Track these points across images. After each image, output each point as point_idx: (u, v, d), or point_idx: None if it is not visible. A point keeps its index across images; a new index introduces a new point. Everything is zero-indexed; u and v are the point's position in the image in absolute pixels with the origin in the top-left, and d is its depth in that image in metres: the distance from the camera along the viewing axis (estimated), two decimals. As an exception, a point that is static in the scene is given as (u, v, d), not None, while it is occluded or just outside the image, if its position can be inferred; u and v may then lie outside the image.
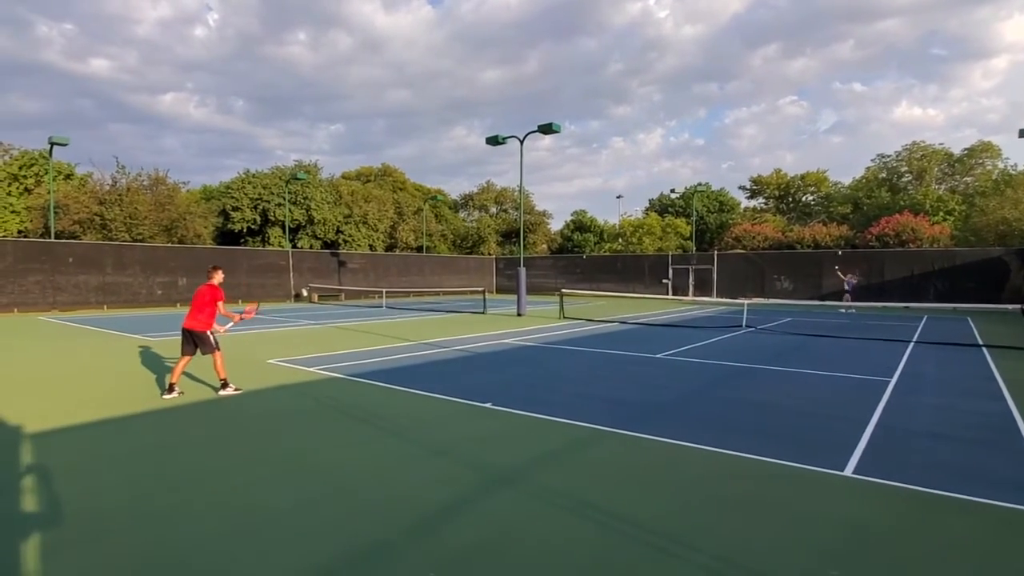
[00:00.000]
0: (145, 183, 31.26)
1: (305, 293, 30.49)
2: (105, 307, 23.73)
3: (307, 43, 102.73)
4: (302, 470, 4.71)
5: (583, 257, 40.84)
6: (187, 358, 7.41)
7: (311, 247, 36.91)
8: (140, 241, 28.47)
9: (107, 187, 29.79)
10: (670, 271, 34.45)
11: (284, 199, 34.76)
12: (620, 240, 48.14)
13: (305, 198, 36.94)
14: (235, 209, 35.70)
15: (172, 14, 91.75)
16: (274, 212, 35.71)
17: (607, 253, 44.61)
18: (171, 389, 7.21)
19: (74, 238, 26.93)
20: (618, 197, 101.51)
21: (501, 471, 4.67)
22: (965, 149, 45.06)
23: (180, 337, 7.47)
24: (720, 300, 27.81)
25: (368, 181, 51.43)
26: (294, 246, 35.75)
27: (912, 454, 5.13)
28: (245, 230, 35.99)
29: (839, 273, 25.18)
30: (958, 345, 12.66)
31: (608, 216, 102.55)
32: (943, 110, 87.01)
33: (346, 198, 40.17)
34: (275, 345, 12.24)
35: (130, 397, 7.26)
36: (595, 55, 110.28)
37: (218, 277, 7.54)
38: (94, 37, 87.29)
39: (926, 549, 3.38)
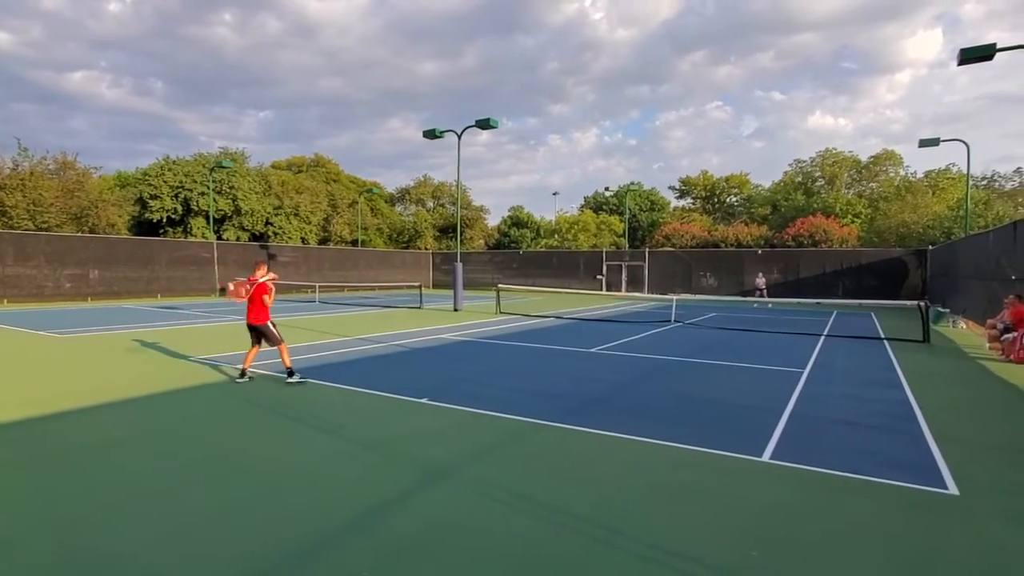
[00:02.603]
0: (51, 167, 28.87)
1: (232, 287, 29.11)
2: (5, 301, 21.76)
3: (233, 25, 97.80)
4: (230, 471, 4.52)
5: (520, 253, 41.16)
6: (256, 348, 7.99)
7: (238, 239, 35.28)
8: (45, 230, 26.27)
9: (7, 171, 27.21)
10: (604, 267, 35.31)
11: (208, 188, 32.96)
12: (556, 236, 48.85)
13: (231, 187, 35.21)
14: (154, 197, 33.56)
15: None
16: (197, 201, 33.81)
17: (543, 249, 45.15)
18: (243, 374, 7.81)
19: (-33, 225, 24.51)
20: (554, 194, 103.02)
21: (437, 466, 4.67)
22: (871, 157, 48.87)
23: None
24: (651, 296, 28.80)
25: (300, 171, 49.66)
26: (219, 238, 34.05)
27: (823, 440, 5.53)
28: (165, 220, 33.90)
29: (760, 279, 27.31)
30: (863, 338, 13.70)
31: (544, 212, 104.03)
32: (852, 120, 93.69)
33: (276, 188, 38.60)
34: (199, 341, 11.64)
35: (42, 397, 6.71)
36: (532, 53, 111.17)
37: (261, 271, 7.95)
38: (-9, 6, 79.34)
39: (836, 527, 3.66)
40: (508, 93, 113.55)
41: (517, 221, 50.34)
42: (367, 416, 6.21)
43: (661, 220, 50.96)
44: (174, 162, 35.13)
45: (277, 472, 4.53)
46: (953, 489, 4.28)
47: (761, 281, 26.67)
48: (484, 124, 20.35)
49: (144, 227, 34.27)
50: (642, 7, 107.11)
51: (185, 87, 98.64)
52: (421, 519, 3.69)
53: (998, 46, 12.92)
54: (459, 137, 21.38)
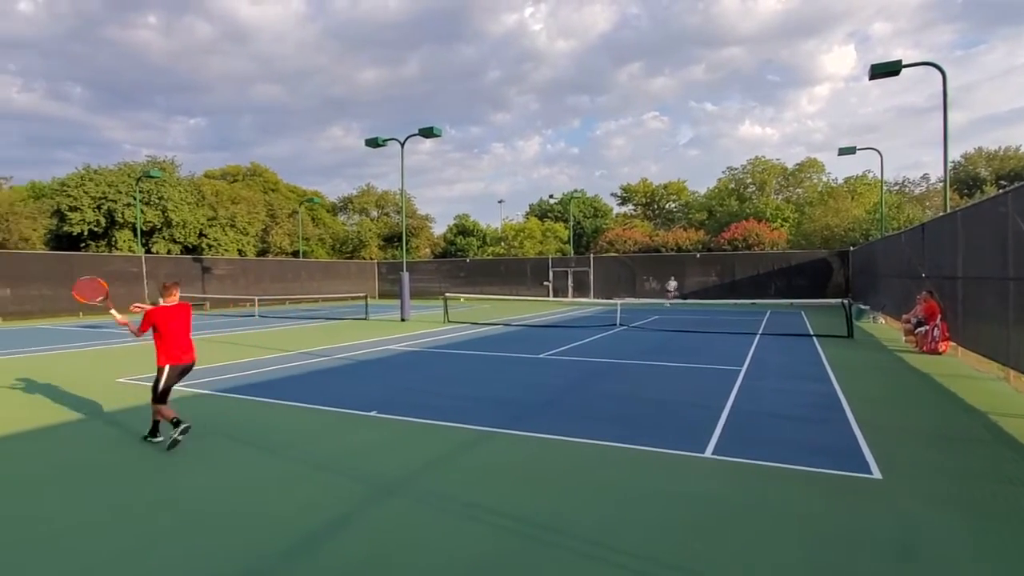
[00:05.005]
0: (-48, 178, 26.66)
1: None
2: (-101, 325, 19.88)
3: (158, 28, 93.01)
4: (162, 499, 4.30)
5: (466, 261, 41.07)
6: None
7: (169, 252, 33.63)
8: (-53, 246, 24.21)
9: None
10: (551, 274, 35.71)
11: (135, 198, 31.25)
12: (502, 244, 49.08)
13: (160, 198, 33.54)
14: (73, 209, 31.55)
15: (-13, -17, 78.87)
16: (122, 213, 32.01)
17: (490, 257, 45.22)
18: (168, 426, 5.58)
19: None
20: (500, 202, 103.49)
21: (387, 481, 4.59)
22: (796, 164, 51.61)
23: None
24: (597, 300, 29.35)
25: (235, 181, 47.82)
26: (148, 251, 32.34)
27: (760, 433, 5.79)
28: (86, 233, 31.92)
29: (672, 282, 30.68)
30: (794, 335, 14.44)
31: (490, 220, 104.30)
32: (778, 129, 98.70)
33: (210, 199, 37.09)
34: (125, 361, 10.99)
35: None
36: (474, 62, 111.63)
37: (175, 296, 6.33)
38: None
39: (773, 515, 3.84)
40: (451, 101, 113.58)
41: (463, 229, 50.25)
42: (313, 433, 6.04)
43: (604, 226, 52.06)
44: (95, 171, 33.18)
45: (212, 498, 4.34)
46: (877, 474, 4.57)
47: (672, 284, 29.27)
48: (427, 132, 20.27)
49: (63, 241, 32.16)
50: (580, 20, 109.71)
51: (106, 92, 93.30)
52: (371, 537, 3.63)
53: (904, 62, 13.97)
54: (402, 145, 21.20)
